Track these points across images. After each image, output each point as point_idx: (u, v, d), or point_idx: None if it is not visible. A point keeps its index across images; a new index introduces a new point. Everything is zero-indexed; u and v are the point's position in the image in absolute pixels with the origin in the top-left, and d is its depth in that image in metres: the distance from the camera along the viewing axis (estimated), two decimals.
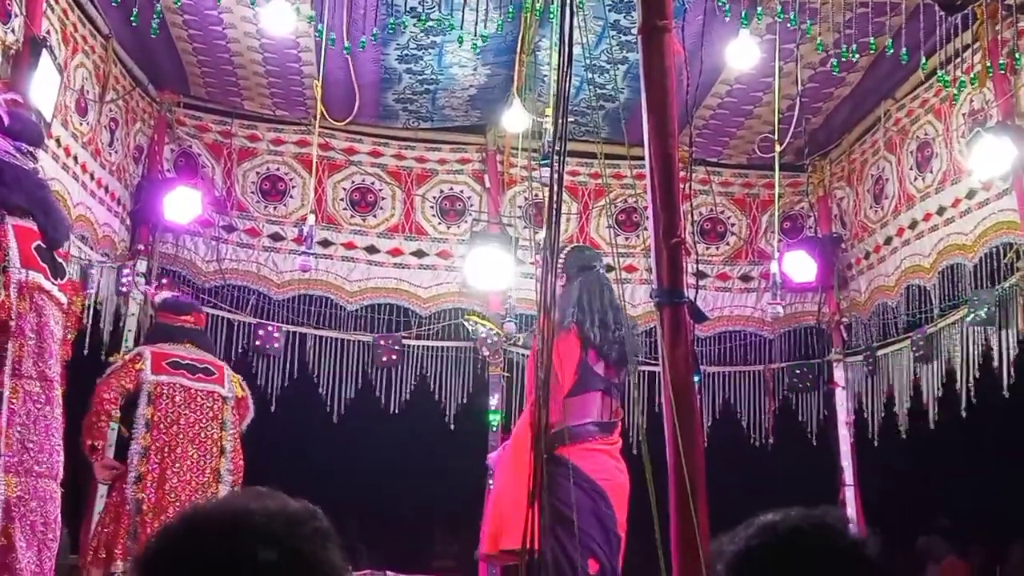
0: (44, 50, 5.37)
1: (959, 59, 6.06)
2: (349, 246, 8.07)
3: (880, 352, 7.59)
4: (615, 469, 5.05)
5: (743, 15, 5.75)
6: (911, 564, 9.25)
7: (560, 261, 5.38)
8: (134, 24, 6.00)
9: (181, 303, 7.35)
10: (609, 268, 7.57)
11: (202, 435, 6.64)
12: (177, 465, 6.33)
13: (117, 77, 6.90)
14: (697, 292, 3.08)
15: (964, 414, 6.53)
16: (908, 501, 9.15)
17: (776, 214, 7.64)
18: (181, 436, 6.50)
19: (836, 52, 6.00)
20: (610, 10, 6.20)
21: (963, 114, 6.42)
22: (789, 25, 5.81)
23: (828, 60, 6.26)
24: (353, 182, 8.13)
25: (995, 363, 6.24)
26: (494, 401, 7.73)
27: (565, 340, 5.01)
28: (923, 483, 9.01)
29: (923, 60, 6.02)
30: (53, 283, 3.98)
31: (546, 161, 6.30)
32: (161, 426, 6.34)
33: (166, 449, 6.29)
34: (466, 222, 8.16)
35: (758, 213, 8.35)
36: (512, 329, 7.77)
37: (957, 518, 9.21)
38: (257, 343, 7.75)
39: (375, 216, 8.14)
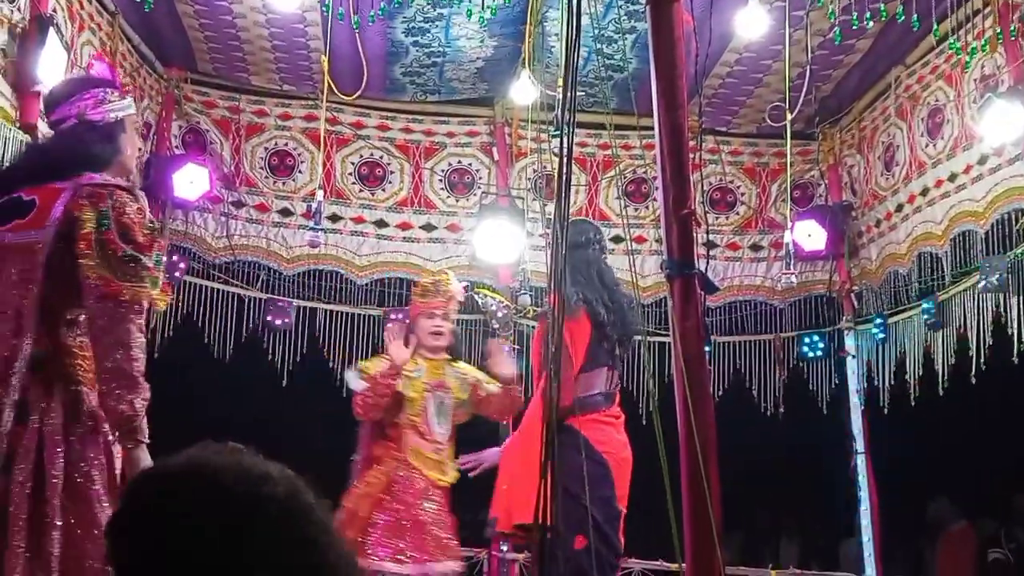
0: (51, 28, 5.36)
1: (970, 24, 6.02)
2: (358, 220, 8.07)
3: (891, 320, 7.58)
4: (619, 442, 5.03)
5: None
6: (922, 531, 9.28)
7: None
8: (139, 1, 5.99)
9: None
10: (618, 239, 7.60)
11: None
12: None
13: (124, 54, 6.89)
14: (707, 263, 3.08)
15: (974, 380, 6.53)
16: (919, 468, 9.16)
17: (787, 182, 7.62)
18: None
19: (843, 19, 5.95)
20: None
21: (974, 80, 6.37)
22: None
23: (835, 28, 6.21)
24: (361, 156, 8.12)
25: (1008, 330, 6.23)
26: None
27: (576, 321, 5.01)
28: (935, 450, 9.02)
29: (935, 26, 5.97)
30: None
31: (556, 132, 6.28)
32: None
33: None
34: (475, 195, 8.15)
35: (768, 182, 8.32)
36: (527, 301, 7.76)
37: (966, 485, 9.22)
38: (268, 318, 7.77)
39: (384, 190, 8.13)
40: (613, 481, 4.94)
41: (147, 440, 3.15)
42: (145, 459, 3.11)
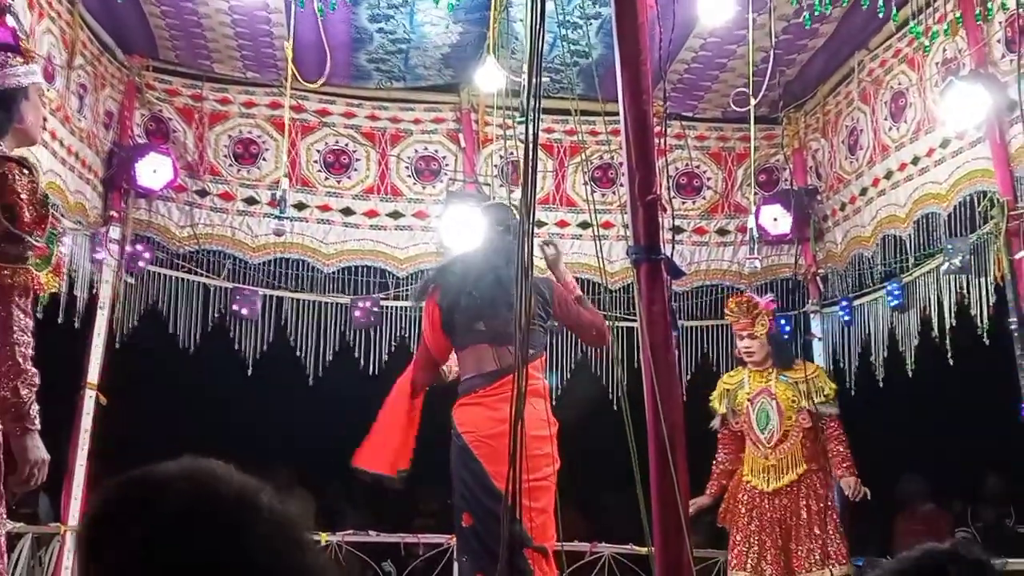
0: (8, 16, 5.28)
1: (931, 8, 6.05)
2: (324, 208, 8.02)
3: (856, 302, 7.63)
4: (487, 420, 4.98)
5: None
6: (891, 512, 9.35)
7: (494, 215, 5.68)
8: None
9: None
10: (585, 225, 7.67)
11: None
12: None
13: (84, 42, 6.80)
14: (673, 248, 3.09)
15: (938, 362, 6.59)
16: (887, 450, 9.23)
17: (752, 167, 7.64)
18: None
19: (809, 5, 5.97)
20: None
21: (936, 63, 6.41)
22: None
23: (802, 12, 6.23)
24: (327, 144, 8.07)
25: (971, 311, 6.28)
26: None
27: (428, 303, 5.51)
28: (901, 431, 9.09)
29: (894, 11, 6.00)
30: None
31: (521, 119, 6.28)
32: None
33: None
34: (442, 182, 8.12)
35: (734, 166, 8.35)
36: None
37: (933, 466, 9.31)
38: (234, 307, 7.72)
39: (350, 178, 8.09)
40: (479, 461, 4.98)
41: (37, 427, 3.06)
42: (33, 446, 3.04)
